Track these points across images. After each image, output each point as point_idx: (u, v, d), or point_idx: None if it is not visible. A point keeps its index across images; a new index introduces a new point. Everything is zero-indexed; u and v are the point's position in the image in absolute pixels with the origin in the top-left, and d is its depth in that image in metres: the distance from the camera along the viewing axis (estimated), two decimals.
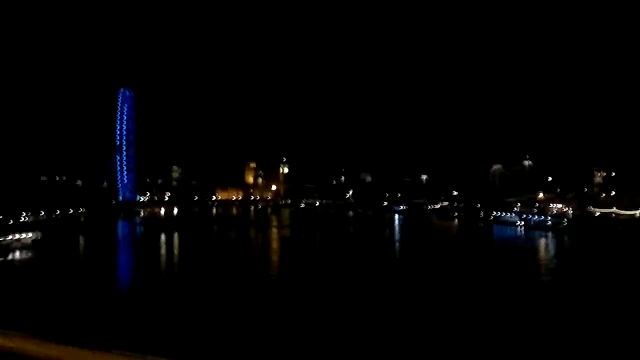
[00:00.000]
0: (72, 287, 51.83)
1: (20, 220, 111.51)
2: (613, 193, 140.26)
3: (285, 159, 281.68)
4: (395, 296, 48.23)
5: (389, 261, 74.28)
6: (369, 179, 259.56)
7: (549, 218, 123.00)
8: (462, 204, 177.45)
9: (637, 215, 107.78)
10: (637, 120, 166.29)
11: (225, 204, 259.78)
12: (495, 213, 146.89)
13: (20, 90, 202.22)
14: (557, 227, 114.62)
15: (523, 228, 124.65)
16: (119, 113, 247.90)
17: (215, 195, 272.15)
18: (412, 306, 44.15)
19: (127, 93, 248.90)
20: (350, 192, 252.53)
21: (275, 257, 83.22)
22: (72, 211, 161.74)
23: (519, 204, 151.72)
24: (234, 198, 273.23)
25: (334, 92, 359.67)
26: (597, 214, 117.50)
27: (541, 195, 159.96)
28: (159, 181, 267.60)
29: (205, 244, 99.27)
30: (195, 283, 55.69)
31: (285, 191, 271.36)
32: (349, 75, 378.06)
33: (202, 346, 33.07)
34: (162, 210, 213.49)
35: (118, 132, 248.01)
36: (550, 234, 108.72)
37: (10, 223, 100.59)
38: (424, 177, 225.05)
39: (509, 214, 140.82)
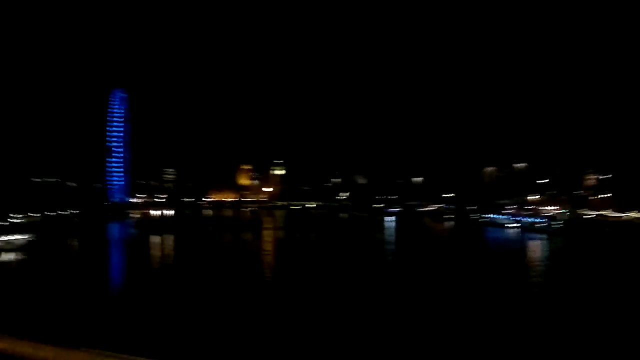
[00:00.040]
0: (63, 289, 51.63)
1: (12, 222, 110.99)
2: (605, 195, 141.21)
3: (279, 161, 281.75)
4: (388, 298, 48.31)
5: (381, 263, 74.35)
6: (363, 181, 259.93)
7: (542, 220, 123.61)
8: (455, 206, 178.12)
9: (627, 217, 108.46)
10: (630, 124, 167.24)
11: (218, 206, 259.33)
12: (488, 215, 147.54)
13: (12, 92, 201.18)
14: (550, 228, 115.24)
15: (516, 230, 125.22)
16: (112, 114, 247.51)
17: (209, 197, 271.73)
18: (403, 308, 44.26)
19: (121, 95, 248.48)
20: (345, 194, 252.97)
21: (268, 259, 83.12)
22: (64, 213, 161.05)
23: (512, 206, 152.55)
24: (228, 200, 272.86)
25: (328, 94, 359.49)
26: (592, 216, 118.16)
27: (533, 197, 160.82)
28: (152, 183, 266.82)
29: (198, 246, 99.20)
30: (187, 285, 55.59)
31: (280, 193, 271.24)
32: (344, 78, 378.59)
33: (193, 348, 33.05)
34: (155, 212, 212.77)
35: (111, 134, 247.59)
36: (543, 236, 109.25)
37: (1, 225, 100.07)
38: (417, 179, 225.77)
39: (501, 216, 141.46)
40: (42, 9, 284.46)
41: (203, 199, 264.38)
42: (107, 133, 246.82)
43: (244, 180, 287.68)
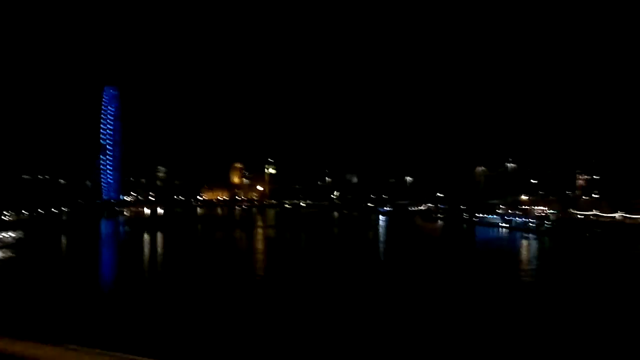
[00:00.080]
0: (53, 286, 51.51)
1: (2, 219, 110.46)
2: (595, 196, 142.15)
3: (271, 160, 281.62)
4: (377, 297, 48.53)
5: (371, 262, 74.59)
6: (354, 180, 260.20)
7: (532, 220, 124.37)
8: (446, 206, 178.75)
9: (619, 217, 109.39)
10: (620, 125, 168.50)
11: (210, 204, 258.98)
12: (478, 215, 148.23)
13: (3, 89, 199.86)
14: (539, 228, 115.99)
15: (506, 229, 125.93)
16: (104, 112, 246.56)
17: (200, 195, 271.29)
18: (393, 306, 44.51)
19: (113, 92, 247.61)
20: (336, 193, 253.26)
21: (259, 257, 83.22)
22: (55, 210, 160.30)
23: (502, 206, 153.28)
24: (219, 198, 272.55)
25: (320, 93, 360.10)
26: (580, 216, 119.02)
27: (524, 197, 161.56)
28: (143, 181, 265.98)
29: (188, 243, 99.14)
30: (177, 282, 55.59)
31: (271, 192, 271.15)
32: (336, 77, 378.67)
33: (185, 346, 33.11)
34: (146, 210, 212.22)
35: (103, 131, 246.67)
36: (532, 236, 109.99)
37: None
38: (408, 178, 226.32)
39: (492, 216, 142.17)
40: (34, 7, 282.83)
41: (195, 197, 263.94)
42: (99, 130, 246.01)
43: (235, 179, 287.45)
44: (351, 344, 33.83)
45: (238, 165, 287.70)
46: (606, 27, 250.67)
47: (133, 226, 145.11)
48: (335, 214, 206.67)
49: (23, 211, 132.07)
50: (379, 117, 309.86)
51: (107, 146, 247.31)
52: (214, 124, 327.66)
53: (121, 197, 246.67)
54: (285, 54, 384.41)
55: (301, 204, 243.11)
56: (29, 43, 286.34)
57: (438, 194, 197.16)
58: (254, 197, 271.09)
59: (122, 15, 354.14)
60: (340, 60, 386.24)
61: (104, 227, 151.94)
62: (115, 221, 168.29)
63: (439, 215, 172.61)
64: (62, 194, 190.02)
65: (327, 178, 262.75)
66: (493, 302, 46.14)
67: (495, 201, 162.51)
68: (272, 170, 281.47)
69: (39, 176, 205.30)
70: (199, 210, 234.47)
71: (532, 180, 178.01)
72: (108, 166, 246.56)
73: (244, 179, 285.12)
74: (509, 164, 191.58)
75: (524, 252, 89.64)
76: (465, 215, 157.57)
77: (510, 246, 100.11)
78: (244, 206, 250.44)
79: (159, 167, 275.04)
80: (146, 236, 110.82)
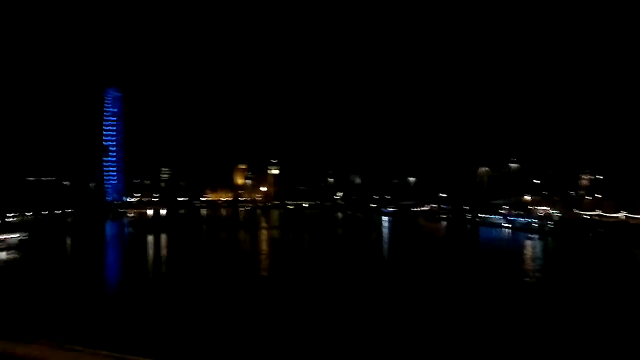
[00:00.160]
0: (57, 288, 51.74)
1: (7, 221, 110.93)
2: (598, 196, 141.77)
3: (274, 161, 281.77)
4: (382, 296, 48.61)
5: (376, 262, 74.68)
6: (358, 180, 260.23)
7: (535, 220, 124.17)
8: (450, 206, 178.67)
9: (622, 217, 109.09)
10: (624, 125, 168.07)
11: (214, 205, 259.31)
12: (481, 215, 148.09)
13: (7, 91, 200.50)
14: (543, 229, 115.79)
15: (509, 230, 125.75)
16: (107, 114, 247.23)
17: (204, 196, 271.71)
18: (398, 306, 44.59)
19: (116, 93, 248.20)
20: (340, 194, 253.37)
21: (264, 258, 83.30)
22: (59, 212, 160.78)
23: (506, 206, 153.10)
24: (223, 199, 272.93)
25: (324, 94, 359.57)
26: (585, 216, 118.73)
27: (528, 197, 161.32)
28: (147, 182, 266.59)
29: (192, 244, 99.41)
30: (182, 283, 55.76)
31: (275, 193, 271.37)
32: (340, 78, 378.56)
33: (190, 346, 33.26)
34: (149, 212, 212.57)
35: (106, 133, 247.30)
36: (535, 236, 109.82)
37: None
38: (412, 179, 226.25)
39: (495, 216, 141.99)
40: (36, 8, 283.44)
41: (198, 198, 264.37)
42: (103, 132, 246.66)
43: (239, 180, 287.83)
44: (354, 343, 33.91)
45: (242, 166, 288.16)
46: (609, 26, 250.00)
47: (137, 227, 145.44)
48: (339, 214, 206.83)
49: (27, 213, 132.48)
50: (382, 118, 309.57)
51: (111, 148, 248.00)
52: (217, 125, 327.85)
53: (125, 198, 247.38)
54: (289, 55, 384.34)
55: (304, 204, 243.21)
56: (32, 45, 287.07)
57: (441, 194, 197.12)
58: (258, 198, 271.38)
59: (125, 17, 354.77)
60: (343, 61, 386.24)
61: (108, 228, 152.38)
62: (119, 222, 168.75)
63: (442, 215, 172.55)
64: (66, 195, 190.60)
65: (330, 179, 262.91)
66: (495, 302, 46.17)
67: (499, 201, 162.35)
68: (275, 171, 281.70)
69: (43, 178, 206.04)
70: (202, 211, 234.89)
71: (535, 181, 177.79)
72: (112, 168, 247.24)
73: (248, 180, 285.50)
74: (512, 164, 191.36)
75: (526, 252, 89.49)
76: (468, 215, 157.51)
77: (512, 246, 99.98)
78: (247, 207, 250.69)
79: (163, 168, 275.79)
80: (150, 237, 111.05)
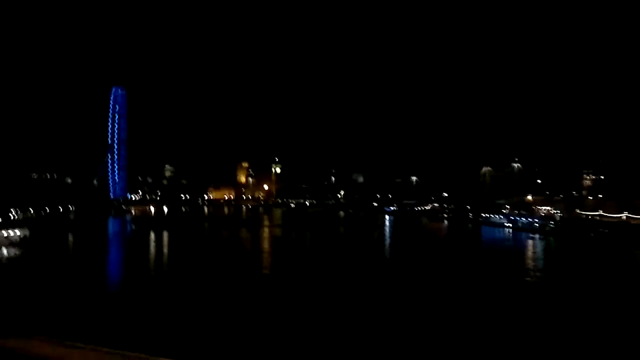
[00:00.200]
0: (60, 285, 51.92)
1: (9, 217, 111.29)
2: (601, 196, 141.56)
3: (277, 159, 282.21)
4: (381, 295, 48.69)
5: (378, 261, 74.77)
6: (360, 179, 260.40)
7: (537, 220, 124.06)
8: (452, 206, 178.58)
9: (624, 218, 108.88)
10: (627, 124, 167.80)
11: (216, 203, 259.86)
12: (484, 215, 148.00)
13: (11, 88, 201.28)
14: (544, 228, 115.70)
15: (511, 230, 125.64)
16: (111, 111, 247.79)
17: (207, 194, 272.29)
18: (397, 305, 44.67)
19: (119, 91, 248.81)
20: (342, 193, 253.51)
21: (266, 256, 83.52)
22: (61, 209, 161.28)
23: (508, 206, 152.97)
24: (226, 197, 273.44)
25: (326, 93, 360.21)
26: (587, 217, 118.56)
27: (530, 197, 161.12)
28: (150, 180, 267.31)
29: (194, 242, 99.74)
30: (183, 281, 55.93)
31: (277, 191, 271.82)
32: (343, 77, 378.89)
33: (194, 344, 33.38)
34: (152, 209, 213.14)
35: (110, 130, 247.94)
36: (537, 236, 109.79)
37: None
38: (414, 178, 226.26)
39: (497, 216, 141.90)
40: (41, 6, 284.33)
41: (201, 196, 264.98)
42: (106, 129, 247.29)
43: (242, 178, 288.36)
44: (354, 342, 33.99)
45: (245, 164, 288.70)
46: (611, 26, 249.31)
47: (139, 225, 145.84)
48: (341, 213, 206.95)
49: (29, 209, 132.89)
50: (385, 117, 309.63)
51: (114, 145, 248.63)
52: (221, 123, 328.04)
53: (128, 195, 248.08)
54: (292, 53, 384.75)
55: (306, 203, 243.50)
56: (36, 43, 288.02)
57: (444, 193, 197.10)
58: (260, 196, 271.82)
59: (129, 15, 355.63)
60: (346, 60, 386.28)
61: (111, 225, 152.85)
62: (122, 220, 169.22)
63: (444, 215, 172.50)
64: (69, 192, 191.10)
65: (332, 177, 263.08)
66: (493, 300, 46.21)
67: (501, 201, 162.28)
68: (277, 170, 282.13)
69: (47, 175, 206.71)
70: (205, 209, 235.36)
71: (538, 181, 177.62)
72: (115, 165, 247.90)
73: (250, 178, 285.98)
74: (515, 164, 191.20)
75: (526, 252, 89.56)
76: (470, 215, 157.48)
77: (513, 246, 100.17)
78: (249, 205, 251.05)
79: (166, 166, 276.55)
80: (152, 235, 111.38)
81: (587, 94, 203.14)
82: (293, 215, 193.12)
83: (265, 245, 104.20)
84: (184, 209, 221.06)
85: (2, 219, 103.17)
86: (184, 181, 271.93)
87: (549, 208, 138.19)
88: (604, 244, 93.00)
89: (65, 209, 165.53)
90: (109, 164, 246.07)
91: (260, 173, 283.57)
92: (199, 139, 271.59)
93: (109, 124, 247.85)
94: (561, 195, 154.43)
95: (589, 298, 47.35)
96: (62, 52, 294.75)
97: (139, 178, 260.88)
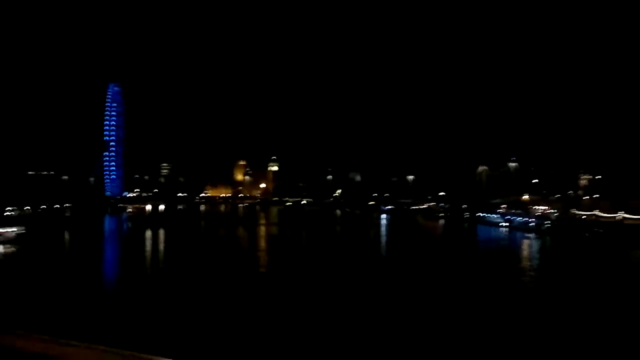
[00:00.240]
0: (55, 282, 51.91)
1: (5, 215, 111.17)
2: (597, 196, 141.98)
3: (274, 158, 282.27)
4: (377, 294, 48.79)
5: (372, 260, 74.84)
6: (358, 178, 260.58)
7: (533, 219, 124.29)
8: (448, 205, 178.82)
9: (617, 218, 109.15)
10: (622, 125, 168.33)
11: (213, 201, 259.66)
12: (480, 214, 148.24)
13: (8, 85, 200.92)
14: (540, 228, 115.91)
15: (507, 229, 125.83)
16: (108, 108, 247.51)
17: (204, 192, 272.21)
18: (392, 304, 44.78)
19: (116, 89, 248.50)
20: (339, 191, 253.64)
21: (262, 254, 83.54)
22: (57, 206, 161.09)
23: (504, 205, 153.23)
24: (222, 195, 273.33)
25: (324, 92, 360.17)
26: (584, 217, 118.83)
27: (526, 197, 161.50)
28: (147, 177, 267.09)
29: (190, 240, 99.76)
30: (178, 279, 55.94)
31: (274, 189, 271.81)
32: (340, 76, 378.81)
33: (190, 343, 33.41)
34: (148, 207, 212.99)
35: (106, 128, 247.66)
36: (532, 235, 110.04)
37: None
38: (411, 177, 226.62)
39: (493, 215, 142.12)
40: (38, 3, 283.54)
41: (198, 194, 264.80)
42: (103, 127, 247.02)
43: (239, 176, 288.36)
44: (350, 342, 34.06)
45: (242, 162, 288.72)
46: (608, 26, 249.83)
47: (135, 223, 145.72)
48: (338, 211, 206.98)
49: (25, 207, 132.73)
50: (382, 116, 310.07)
51: (111, 143, 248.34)
52: (218, 121, 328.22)
53: (125, 193, 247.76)
54: (290, 51, 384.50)
55: (303, 201, 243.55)
56: (34, 40, 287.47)
57: (440, 192, 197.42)
58: (257, 195, 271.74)
59: (126, 12, 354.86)
60: (343, 58, 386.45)
61: (107, 223, 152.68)
62: (118, 217, 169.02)
63: (440, 214, 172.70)
64: (65, 190, 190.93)
65: (329, 176, 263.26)
66: (488, 299, 46.35)
67: (498, 200, 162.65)
68: (275, 168, 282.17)
69: (43, 172, 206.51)
70: (202, 207, 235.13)
71: (534, 180, 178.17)
72: (112, 163, 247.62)
73: (247, 177, 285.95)
74: (511, 164, 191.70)
75: (521, 251, 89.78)
76: (466, 214, 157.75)
77: (508, 245, 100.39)
78: (246, 203, 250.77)
79: (162, 164, 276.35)
80: (148, 233, 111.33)
81: (584, 95, 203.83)
82: (290, 213, 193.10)
83: (262, 243, 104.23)
84: (180, 207, 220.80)
85: None
86: (181, 179, 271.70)
87: (545, 207, 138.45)
88: (598, 243, 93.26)
89: (62, 206, 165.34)
90: (106, 162, 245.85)
91: (258, 171, 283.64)
92: (196, 137, 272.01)
93: (106, 121, 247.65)
94: (557, 195, 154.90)
95: (580, 297, 47.54)
96: (59, 49, 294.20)
97: (136, 176, 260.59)
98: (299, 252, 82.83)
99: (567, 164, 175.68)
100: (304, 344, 33.17)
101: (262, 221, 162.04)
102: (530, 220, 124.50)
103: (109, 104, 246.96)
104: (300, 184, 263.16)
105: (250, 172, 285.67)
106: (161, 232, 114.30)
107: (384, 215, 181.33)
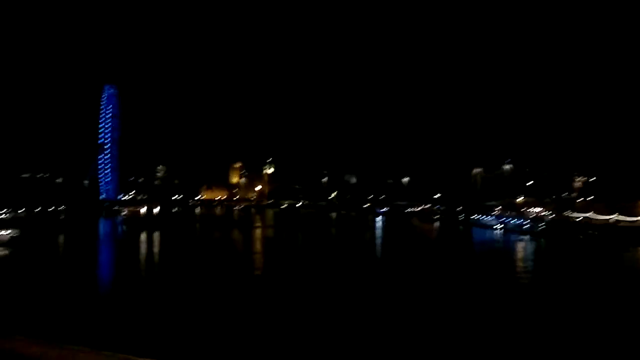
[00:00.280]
0: (49, 285, 51.75)
1: None
2: (591, 198, 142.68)
3: (270, 160, 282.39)
4: (372, 297, 48.85)
5: (367, 262, 74.95)
6: (353, 180, 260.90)
7: (527, 221, 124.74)
8: (443, 207, 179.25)
9: (611, 220, 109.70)
10: (617, 127, 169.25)
11: (208, 204, 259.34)
12: (474, 216, 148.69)
13: (2, 87, 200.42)
14: (534, 230, 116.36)
15: (501, 231, 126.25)
16: (103, 110, 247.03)
17: (200, 194, 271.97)
18: (388, 306, 44.84)
19: (112, 90, 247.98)
20: (335, 194, 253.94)
21: (257, 257, 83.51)
22: (52, 209, 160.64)
23: (499, 208, 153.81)
24: (218, 198, 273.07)
25: (320, 94, 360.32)
26: (578, 219, 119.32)
27: (521, 199, 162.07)
28: (141, 180, 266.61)
29: (185, 243, 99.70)
30: (174, 282, 55.86)
31: (270, 192, 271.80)
32: (335, 78, 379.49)
33: (184, 346, 33.40)
34: (142, 209, 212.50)
35: (101, 130, 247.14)
36: (526, 237, 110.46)
37: None
38: (406, 179, 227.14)
39: (488, 217, 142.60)
40: (33, 6, 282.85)
41: (193, 197, 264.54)
42: (98, 129, 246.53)
43: (235, 179, 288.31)
44: (347, 343, 34.10)
45: (237, 164, 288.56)
46: (604, 28, 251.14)
47: (130, 225, 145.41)
48: (333, 214, 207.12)
49: (19, 209, 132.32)
50: (377, 118, 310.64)
51: (106, 145, 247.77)
52: (213, 123, 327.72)
53: (119, 196, 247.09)
54: (285, 53, 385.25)
55: (298, 204, 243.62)
56: (28, 41, 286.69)
57: (435, 195, 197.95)
58: (253, 197, 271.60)
59: (121, 14, 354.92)
60: (339, 60, 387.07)
61: (101, 226, 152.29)
62: (112, 220, 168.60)
63: (435, 216, 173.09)
64: (60, 192, 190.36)
65: (325, 178, 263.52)
66: (481, 301, 46.48)
67: (492, 202, 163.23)
68: (270, 170, 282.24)
69: (38, 175, 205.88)
70: (197, 209, 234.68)
71: (529, 182, 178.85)
72: (107, 165, 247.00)
73: (243, 179, 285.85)
74: (506, 166, 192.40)
75: (515, 253, 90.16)
76: (461, 216, 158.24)
77: (502, 247, 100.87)
78: (242, 205, 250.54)
79: (158, 166, 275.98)
80: (143, 235, 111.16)
81: (579, 97, 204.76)
82: (285, 216, 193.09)
83: (257, 246, 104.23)
84: (175, 210, 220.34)
85: None
86: (176, 181, 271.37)
87: (539, 209, 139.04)
88: (592, 245, 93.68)
89: (56, 209, 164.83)
90: (101, 164, 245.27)
91: (253, 174, 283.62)
92: (191, 139, 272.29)
93: (101, 123, 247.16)
94: (552, 197, 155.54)
95: (574, 299, 47.73)
96: (54, 50, 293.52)
97: (131, 178, 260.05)
98: (294, 255, 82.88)
99: (562, 166, 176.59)
100: (302, 346, 33.22)
101: (258, 224, 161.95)
102: (524, 222, 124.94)
103: (104, 106, 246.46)
104: (296, 187, 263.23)
105: (246, 174, 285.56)
106: (156, 235, 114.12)
107: (379, 218, 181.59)
